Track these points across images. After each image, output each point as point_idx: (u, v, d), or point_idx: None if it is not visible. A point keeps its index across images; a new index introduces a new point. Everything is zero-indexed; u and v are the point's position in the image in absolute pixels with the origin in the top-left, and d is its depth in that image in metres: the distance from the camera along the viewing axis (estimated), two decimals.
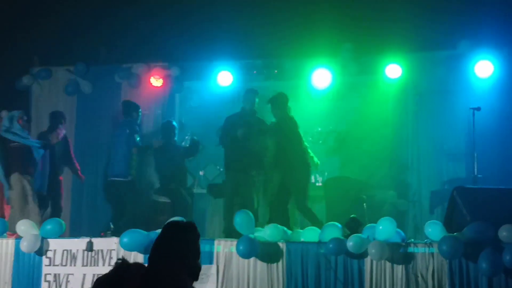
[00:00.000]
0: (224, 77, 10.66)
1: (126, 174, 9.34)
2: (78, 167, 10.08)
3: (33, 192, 9.02)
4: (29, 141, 9.16)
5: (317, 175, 10.24)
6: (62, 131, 10.03)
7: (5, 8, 11.22)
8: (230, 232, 8.61)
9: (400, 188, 10.14)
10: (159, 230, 7.90)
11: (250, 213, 7.99)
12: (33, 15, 11.29)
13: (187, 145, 10.12)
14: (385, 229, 7.35)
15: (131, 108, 9.63)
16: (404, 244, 7.35)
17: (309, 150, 9.09)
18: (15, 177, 8.97)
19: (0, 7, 11.16)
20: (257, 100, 9.32)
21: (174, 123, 9.91)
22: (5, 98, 11.17)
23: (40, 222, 8.61)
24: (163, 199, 9.81)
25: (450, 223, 7.52)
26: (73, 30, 11.23)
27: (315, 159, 9.14)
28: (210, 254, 7.78)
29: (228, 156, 9.23)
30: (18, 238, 8.32)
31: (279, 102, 9.03)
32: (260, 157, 9.03)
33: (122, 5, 11.16)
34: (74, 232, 9.75)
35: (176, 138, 9.87)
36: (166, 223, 3.91)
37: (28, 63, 11.38)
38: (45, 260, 8.22)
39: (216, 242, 7.87)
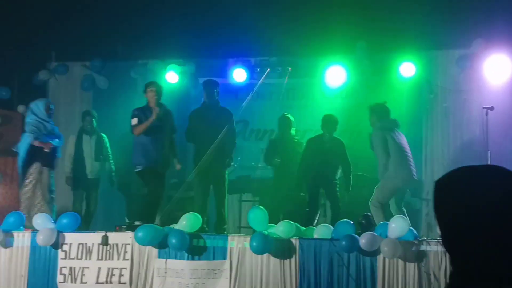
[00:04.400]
0: (239, 74, 10.72)
1: None
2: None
3: (48, 186, 9.09)
4: (50, 138, 9.21)
5: None
6: None
7: (22, 4, 11.33)
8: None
9: (413, 186, 10.17)
10: (173, 225, 8.07)
11: (264, 209, 8.05)
12: (51, 11, 11.38)
13: None
14: (398, 227, 7.40)
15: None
16: (416, 242, 7.39)
17: None
18: (34, 168, 9.04)
19: (18, 4, 11.27)
20: (216, 90, 9.35)
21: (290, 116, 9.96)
22: (23, 92, 11.31)
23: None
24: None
25: None
26: (90, 26, 11.32)
27: None
28: (224, 249, 7.85)
29: (198, 151, 9.30)
30: (34, 231, 8.42)
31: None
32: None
33: (138, 2, 11.24)
34: (90, 226, 9.86)
35: None
36: None
37: (46, 59, 11.48)
38: (60, 254, 8.31)
39: (229, 237, 7.94)
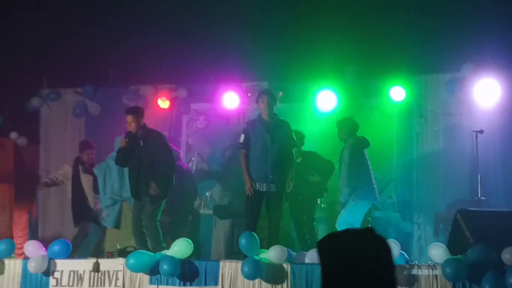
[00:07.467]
0: (230, 99, 10.77)
1: None
2: None
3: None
4: None
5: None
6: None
7: (15, 31, 11.40)
8: None
9: (404, 210, 10.19)
10: (164, 251, 8.05)
11: (255, 235, 8.04)
12: (42, 38, 11.45)
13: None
14: None
15: None
16: (408, 266, 7.40)
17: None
18: None
19: (10, 30, 11.34)
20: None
21: None
22: (15, 120, 11.34)
23: None
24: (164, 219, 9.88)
25: (453, 246, 7.57)
26: (81, 52, 11.39)
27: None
28: (216, 275, 7.84)
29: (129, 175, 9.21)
30: (26, 258, 8.40)
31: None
32: None
33: (130, 28, 11.32)
34: (81, 252, 9.83)
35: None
36: None
37: (37, 85, 11.52)
38: (52, 281, 8.29)
39: (221, 263, 7.93)
